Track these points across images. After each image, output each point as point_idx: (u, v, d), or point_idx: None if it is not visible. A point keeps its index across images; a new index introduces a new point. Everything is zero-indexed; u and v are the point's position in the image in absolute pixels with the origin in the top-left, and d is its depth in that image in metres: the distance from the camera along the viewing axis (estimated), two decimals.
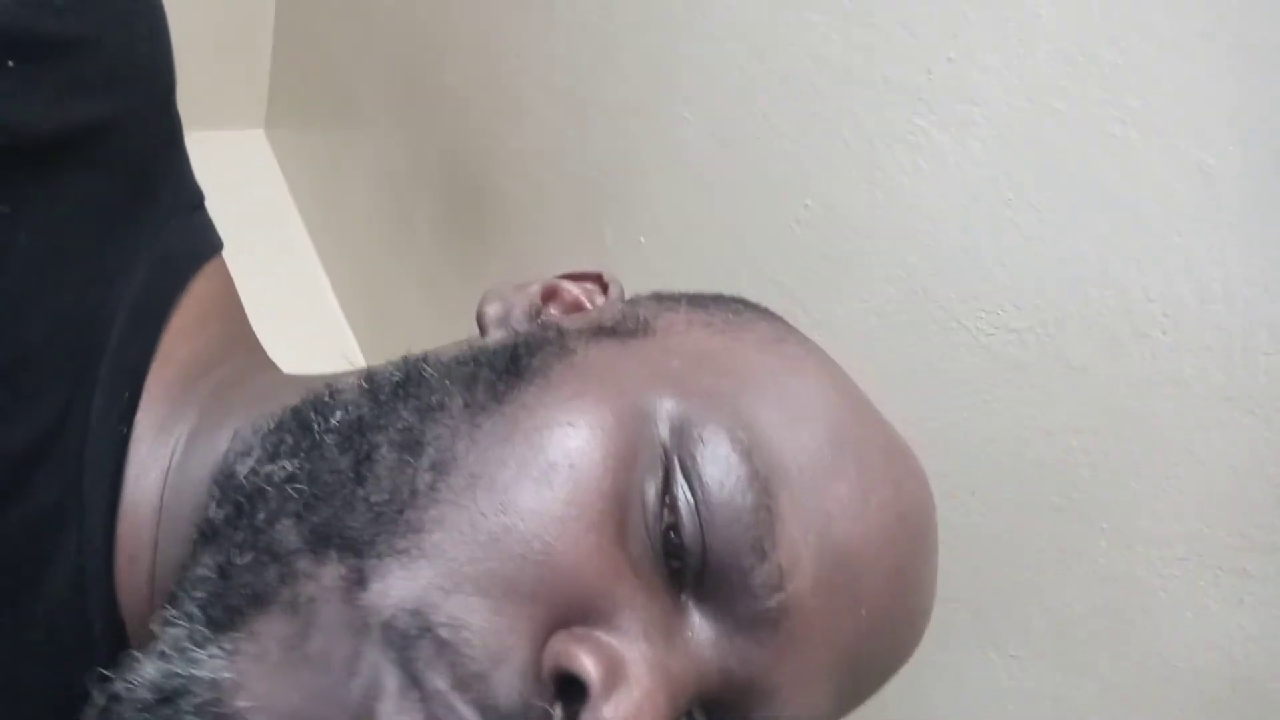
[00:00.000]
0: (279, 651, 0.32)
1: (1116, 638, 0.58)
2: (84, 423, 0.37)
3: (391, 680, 0.32)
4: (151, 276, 0.40)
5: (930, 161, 0.63)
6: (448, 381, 0.38)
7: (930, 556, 0.41)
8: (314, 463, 0.36)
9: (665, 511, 0.36)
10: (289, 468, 0.36)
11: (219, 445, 0.40)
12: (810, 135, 0.70)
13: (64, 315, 0.37)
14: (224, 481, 0.37)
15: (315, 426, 0.37)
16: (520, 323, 0.43)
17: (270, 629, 0.33)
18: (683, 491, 0.36)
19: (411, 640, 0.32)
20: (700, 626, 0.36)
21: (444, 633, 0.32)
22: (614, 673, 0.33)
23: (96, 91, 0.38)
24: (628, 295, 0.48)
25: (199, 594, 0.34)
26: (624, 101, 0.87)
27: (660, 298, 0.46)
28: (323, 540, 0.34)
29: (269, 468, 0.36)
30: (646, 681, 0.33)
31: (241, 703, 0.31)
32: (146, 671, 0.32)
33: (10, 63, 0.35)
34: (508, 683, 0.32)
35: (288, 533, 0.34)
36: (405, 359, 0.41)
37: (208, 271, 0.44)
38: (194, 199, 0.45)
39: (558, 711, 0.32)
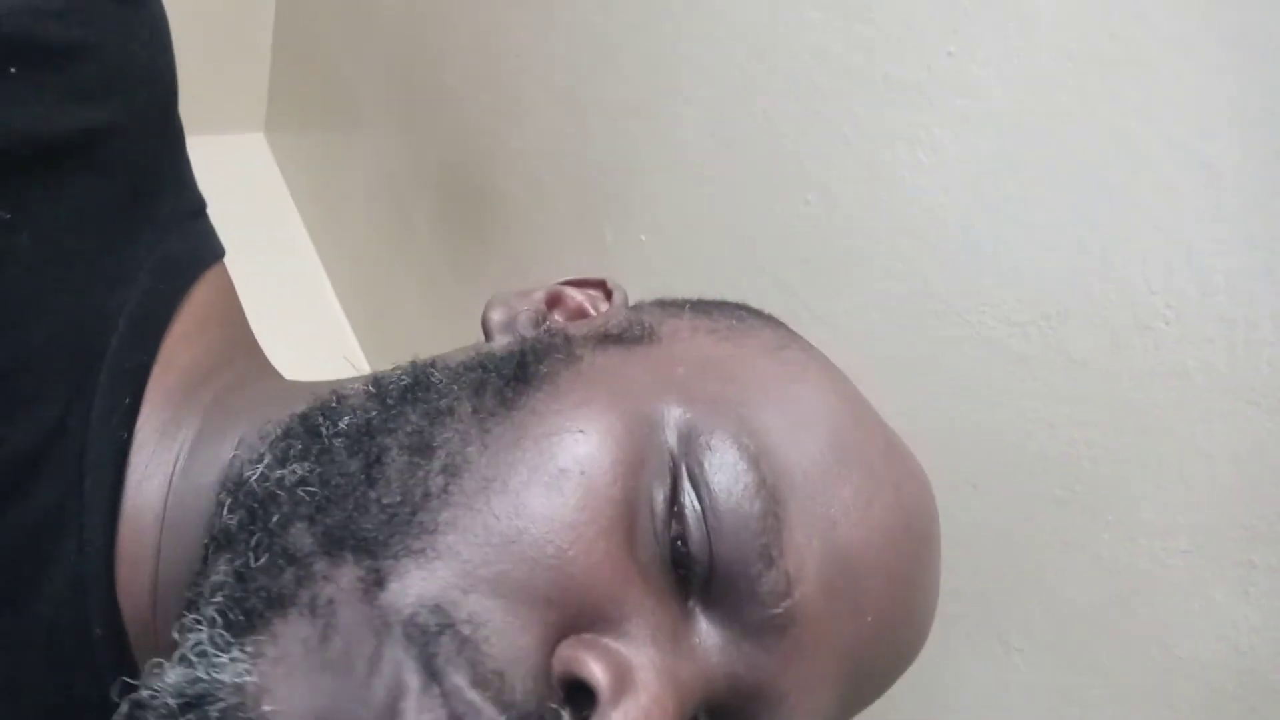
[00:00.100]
0: (300, 654, 0.32)
1: (1121, 630, 0.58)
2: (84, 426, 0.37)
3: (414, 678, 0.32)
4: (153, 282, 0.41)
5: (931, 156, 0.63)
6: (456, 386, 0.39)
7: (933, 558, 0.42)
8: (324, 466, 0.36)
9: (673, 519, 0.36)
10: (299, 471, 0.36)
11: (224, 452, 0.40)
12: (811, 132, 0.70)
13: (65, 319, 0.37)
14: (234, 487, 0.37)
15: (324, 430, 0.38)
16: (525, 329, 0.44)
17: (290, 631, 0.33)
18: (690, 499, 0.36)
19: (433, 636, 0.32)
20: (707, 632, 0.36)
21: (465, 629, 0.32)
22: (622, 679, 0.33)
23: (98, 97, 0.38)
24: (631, 300, 0.48)
25: (217, 599, 0.34)
26: (624, 101, 0.87)
27: (664, 304, 0.46)
28: (337, 542, 0.34)
29: (279, 472, 0.36)
30: (654, 688, 0.33)
31: (266, 706, 0.32)
32: (170, 678, 0.32)
33: (12, 69, 0.35)
34: (524, 683, 0.32)
35: (301, 535, 0.35)
36: (413, 364, 0.41)
37: (209, 278, 0.44)
38: (196, 205, 0.45)
39: (567, 716, 0.32)
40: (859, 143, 0.67)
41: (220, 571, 0.35)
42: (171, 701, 0.32)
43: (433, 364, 0.41)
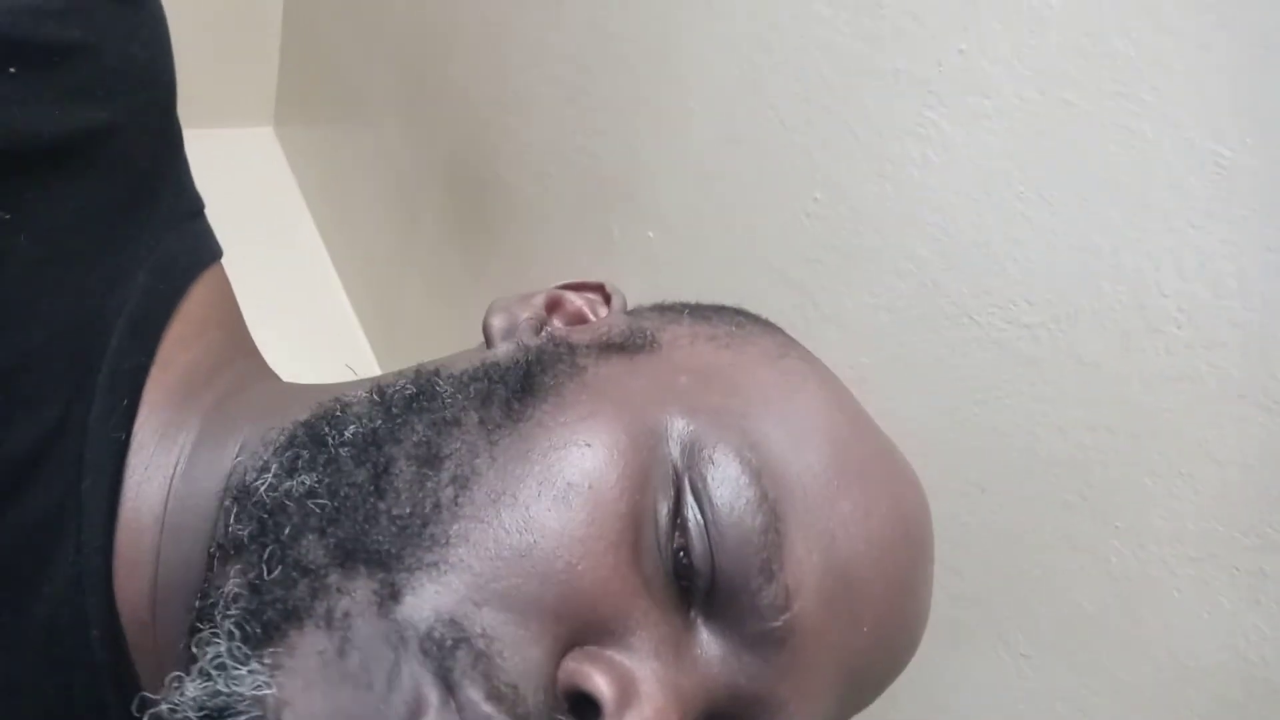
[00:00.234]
0: (318, 665, 0.33)
1: (1128, 637, 0.58)
2: (83, 427, 0.37)
3: (433, 693, 0.32)
4: (151, 283, 0.41)
5: (941, 154, 0.63)
6: (461, 397, 0.39)
7: (927, 566, 0.43)
8: (332, 477, 0.37)
9: (676, 531, 0.37)
10: (308, 482, 0.37)
11: (225, 456, 0.40)
12: (819, 128, 0.70)
13: (63, 320, 0.37)
14: (242, 497, 0.38)
15: (329, 440, 0.38)
16: (526, 334, 0.44)
17: (307, 643, 0.33)
18: (693, 513, 0.37)
19: (448, 651, 0.33)
20: (709, 643, 0.37)
21: (479, 644, 0.33)
22: (626, 691, 0.34)
23: (97, 98, 0.38)
24: (631, 302, 0.48)
25: (234, 611, 0.34)
26: (631, 96, 0.86)
27: (663, 309, 0.46)
28: (350, 554, 0.35)
29: (288, 483, 0.37)
30: (659, 699, 0.34)
31: (286, 718, 0.32)
32: (190, 691, 0.33)
33: (12, 69, 0.35)
34: (535, 695, 0.33)
35: (313, 547, 0.35)
36: (417, 372, 0.42)
37: (207, 279, 0.44)
38: (194, 206, 0.46)
39: None
40: (868, 139, 0.67)
41: (233, 583, 0.35)
42: (192, 715, 0.33)
43: (437, 372, 0.41)
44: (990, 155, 0.60)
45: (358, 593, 0.34)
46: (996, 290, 0.61)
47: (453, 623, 0.33)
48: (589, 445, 0.37)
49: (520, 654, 0.33)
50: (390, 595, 0.34)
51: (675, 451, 0.37)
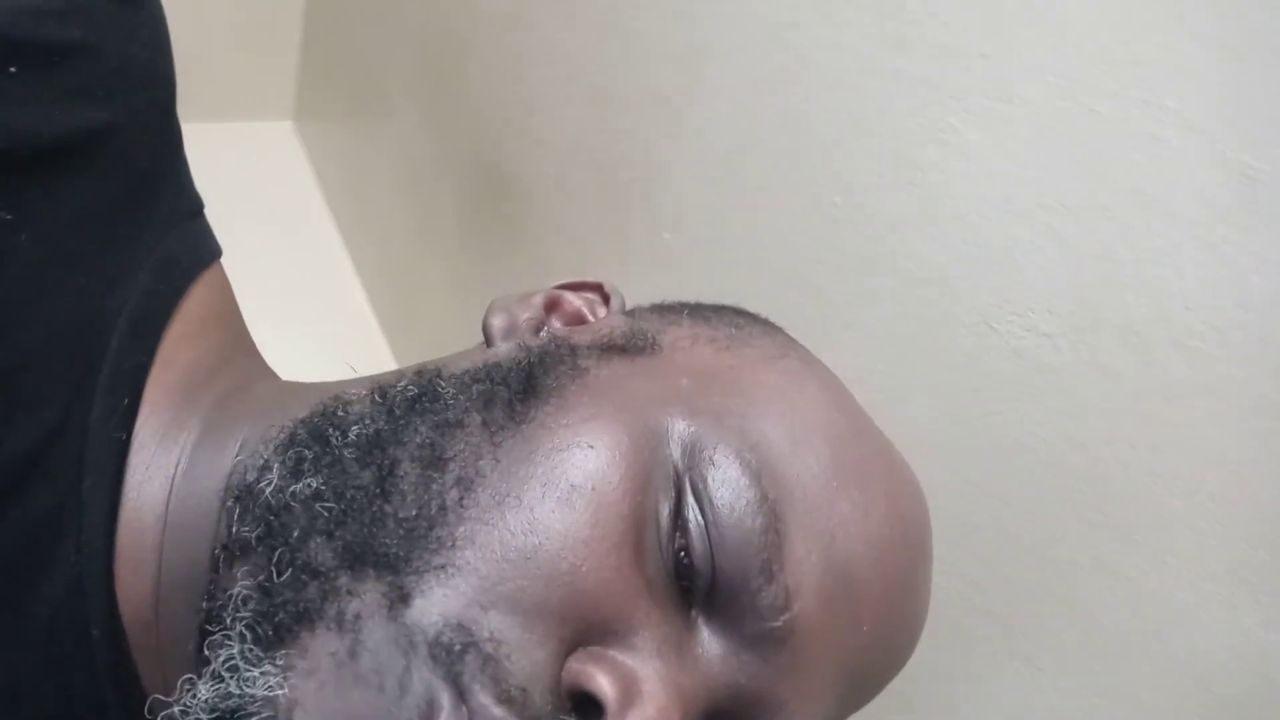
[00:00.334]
0: (330, 668, 0.33)
1: (1150, 656, 0.57)
2: (83, 427, 0.38)
3: (445, 696, 0.33)
4: (151, 282, 0.41)
5: (964, 161, 0.62)
6: (463, 398, 0.39)
7: (925, 566, 0.43)
8: (336, 478, 0.37)
9: (677, 532, 0.37)
10: (314, 485, 0.37)
11: (226, 455, 0.40)
12: (841, 132, 0.69)
13: (64, 320, 0.37)
14: (244, 497, 0.38)
15: (333, 441, 0.38)
16: (526, 335, 0.44)
17: (319, 645, 0.34)
18: (694, 513, 0.37)
19: (457, 655, 0.33)
20: (709, 643, 0.37)
21: (488, 647, 0.33)
22: (630, 691, 0.34)
23: (97, 98, 0.39)
24: (636, 301, 0.48)
25: (245, 613, 0.35)
26: (650, 95, 0.86)
27: (662, 310, 0.47)
28: (358, 557, 0.35)
29: (294, 485, 0.37)
30: (661, 698, 0.34)
31: (299, 718, 0.32)
32: (203, 694, 0.33)
33: (12, 69, 0.35)
34: (542, 697, 0.33)
35: (321, 550, 0.35)
36: (419, 372, 0.42)
37: (207, 279, 0.44)
38: (194, 206, 0.46)
39: None
40: (890, 144, 0.66)
41: (242, 585, 0.35)
42: (205, 717, 0.33)
43: (438, 373, 0.41)
44: (1014, 162, 0.59)
45: (367, 595, 0.34)
46: (1017, 299, 0.60)
47: (460, 627, 0.33)
48: (591, 447, 0.37)
49: (527, 657, 0.34)
50: (399, 598, 0.34)
51: (676, 453, 0.38)
